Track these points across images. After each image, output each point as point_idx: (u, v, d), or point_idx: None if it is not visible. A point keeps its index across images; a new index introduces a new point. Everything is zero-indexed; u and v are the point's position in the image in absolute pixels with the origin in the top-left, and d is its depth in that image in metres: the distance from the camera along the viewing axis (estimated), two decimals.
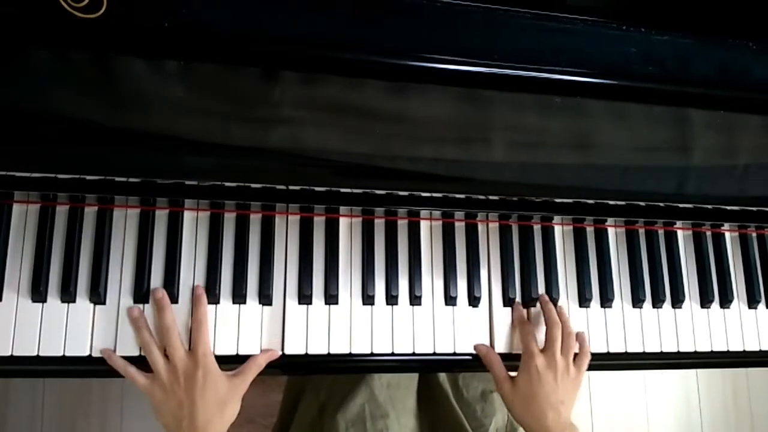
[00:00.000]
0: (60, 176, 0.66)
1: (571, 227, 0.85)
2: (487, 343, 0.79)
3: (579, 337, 0.80)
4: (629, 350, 0.83)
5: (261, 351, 0.73)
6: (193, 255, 0.74)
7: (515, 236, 0.83)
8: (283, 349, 0.74)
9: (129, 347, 0.70)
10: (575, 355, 0.78)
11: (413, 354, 0.77)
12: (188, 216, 0.75)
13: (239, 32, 0.61)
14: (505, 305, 0.81)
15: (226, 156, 0.65)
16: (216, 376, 0.69)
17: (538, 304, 0.81)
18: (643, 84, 0.70)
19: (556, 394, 0.74)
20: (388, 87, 0.65)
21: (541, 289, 0.82)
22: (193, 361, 0.69)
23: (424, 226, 0.80)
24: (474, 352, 0.78)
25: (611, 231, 0.86)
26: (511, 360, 0.78)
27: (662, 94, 0.71)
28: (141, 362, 0.70)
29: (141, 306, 0.72)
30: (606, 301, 0.83)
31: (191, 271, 0.73)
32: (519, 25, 0.67)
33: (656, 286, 0.85)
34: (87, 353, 0.69)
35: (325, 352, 0.74)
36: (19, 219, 0.71)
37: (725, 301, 0.87)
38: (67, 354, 0.69)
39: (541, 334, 0.79)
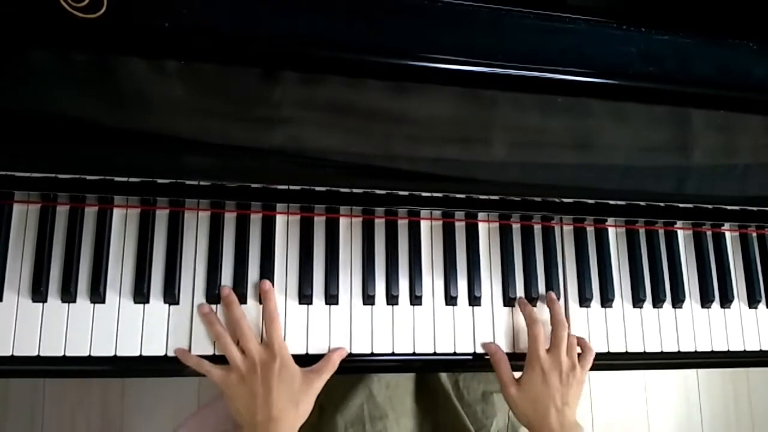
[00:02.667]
0: (60, 176, 0.66)
1: (571, 227, 0.85)
2: (491, 342, 0.79)
3: (580, 340, 0.80)
4: (630, 350, 0.83)
5: (331, 349, 0.74)
6: (193, 255, 0.74)
7: (516, 236, 0.83)
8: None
9: (129, 347, 0.70)
10: (579, 355, 0.78)
11: (414, 354, 0.77)
12: (189, 216, 0.75)
13: (239, 32, 0.61)
14: (505, 305, 0.81)
15: (227, 156, 0.65)
16: (292, 369, 0.70)
17: (537, 304, 0.81)
18: (643, 84, 0.70)
19: (561, 394, 0.74)
20: (389, 87, 0.65)
21: (542, 288, 0.82)
22: (269, 352, 0.70)
23: (424, 225, 0.80)
24: (475, 352, 0.78)
25: (612, 231, 0.86)
26: (511, 360, 0.78)
27: (662, 93, 0.71)
28: (141, 362, 0.70)
29: (142, 306, 0.72)
30: (606, 300, 0.83)
31: (191, 271, 0.73)
32: (519, 24, 0.67)
33: (657, 285, 0.85)
34: (87, 353, 0.69)
35: (325, 352, 0.74)
36: (19, 219, 0.71)
37: (726, 301, 0.87)
38: (67, 354, 0.69)
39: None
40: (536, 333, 0.76)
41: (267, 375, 0.68)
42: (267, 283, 0.73)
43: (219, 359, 0.71)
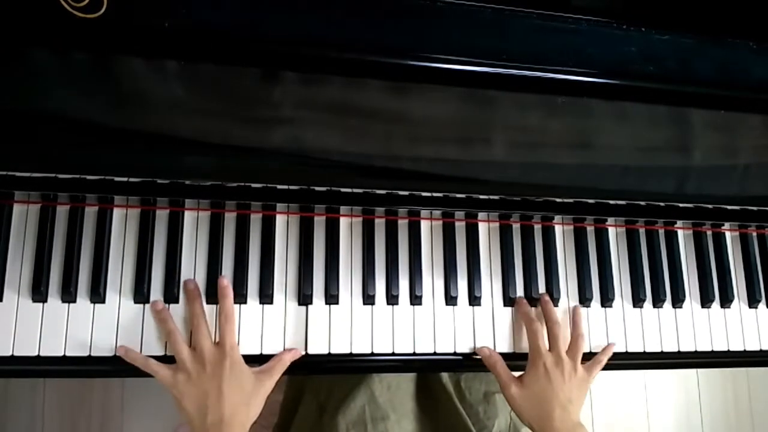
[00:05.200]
0: (60, 176, 0.66)
1: (571, 227, 0.85)
2: (489, 342, 0.79)
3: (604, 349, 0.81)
4: (630, 350, 0.83)
5: (284, 349, 0.73)
6: (193, 255, 0.74)
7: (516, 236, 0.83)
8: (283, 348, 0.74)
9: (130, 346, 0.70)
10: (586, 359, 0.78)
11: (414, 354, 0.77)
12: (188, 216, 0.75)
13: (239, 32, 0.61)
14: (505, 305, 0.81)
15: (227, 156, 0.65)
16: (243, 369, 0.69)
17: (538, 305, 0.81)
18: (643, 83, 0.70)
19: (564, 392, 0.73)
20: (390, 87, 0.65)
21: (542, 288, 0.82)
22: (220, 351, 0.68)
23: (424, 225, 0.80)
24: (475, 352, 0.78)
25: (612, 230, 0.86)
26: (512, 359, 0.78)
27: (663, 93, 0.71)
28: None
29: (142, 306, 0.72)
30: (606, 300, 0.83)
31: (191, 271, 0.73)
32: (521, 24, 0.67)
33: (657, 285, 0.85)
34: (87, 353, 0.69)
35: (325, 351, 0.74)
36: (19, 219, 0.71)
37: (726, 301, 0.87)
38: (67, 354, 0.69)
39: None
40: (536, 329, 0.77)
41: (217, 374, 0.67)
42: (225, 279, 0.72)
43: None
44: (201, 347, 0.68)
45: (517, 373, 0.77)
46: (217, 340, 0.71)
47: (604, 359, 0.80)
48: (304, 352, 0.74)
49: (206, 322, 0.71)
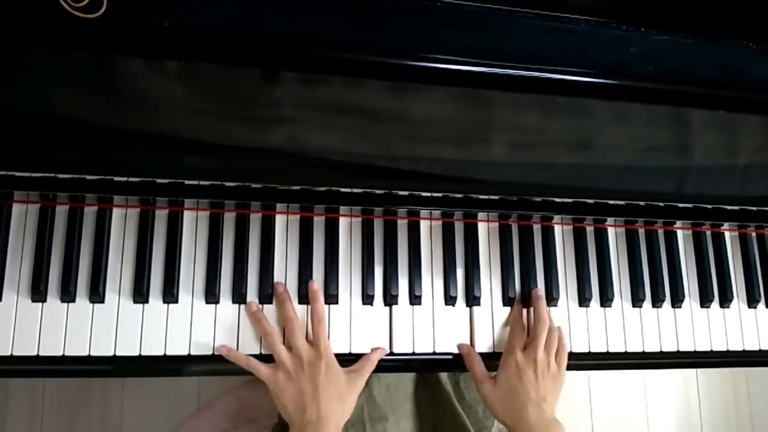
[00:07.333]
0: (60, 176, 0.66)
1: (570, 227, 0.85)
2: (489, 342, 0.79)
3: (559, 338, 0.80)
4: (629, 350, 0.83)
5: (373, 349, 0.75)
6: (193, 255, 0.74)
7: (515, 236, 0.83)
8: None
9: (129, 346, 0.70)
10: (571, 359, 0.78)
11: (413, 354, 0.77)
12: (188, 216, 0.75)
13: (239, 32, 0.61)
14: (504, 305, 0.81)
15: (226, 156, 0.65)
16: (337, 369, 0.71)
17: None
18: (642, 84, 0.70)
19: (537, 390, 0.73)
20: (389, 87, 0.65)
21: (541, 288, 0.82)
22: (316, 352, 0.71)
23: (423, 225, 0.80)
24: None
25: (611, 231, 0.86)
26: None
27: (662, 93, 0.71)
28: (140, 362, 0.70)
29: (141, 306, 0.72)
30: (606, 300, 0.83)
31: (191, 271, 0.74)
32: (519, 25, 0.67)
33: (656, 285, 0.85)
34: (87, 353, 0.69)
35: None
36: (19, 219, 0.71)
37: (725, 301, 0.87)
38: (67, 354, 0.69)
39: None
40: (513, 329, 0.78)
41: (314, 374, 0.69)
42: (315, 284, 0.74)
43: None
44: (297, 348, 0.71)
45: (494, 373, 0.77)
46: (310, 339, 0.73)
47: (564, 346, 0.79)
48: (388, 350, 0.76)
49: (300, 323, 0.73)
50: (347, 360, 0.75)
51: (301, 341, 0.71)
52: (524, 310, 0.80)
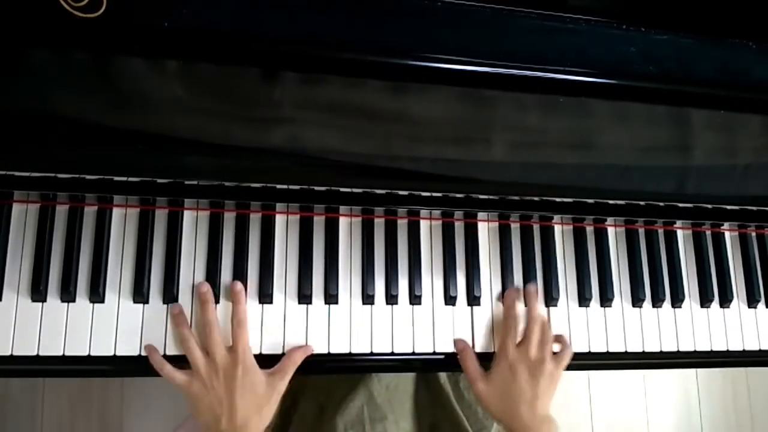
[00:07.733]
0: (60, 176, 0.66)
1: (570, 227, 0.85)
2: (489, 342, 0.79)
3: (560, 337, 0.80)
4: (629, 350, 0.83)
5: (294, 347, 0.73)
6: (192, 255, 0.74)
7: (515, 236, 0.83)
8: (283, 348, 0.74)
9: (129, 346, 0.70)
10: (556, 351, 0.78)
11: (413, 353, 0.77)
12: (188, 215, 0.75)
13: (239, 32, 0.61)
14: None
15: (226, 156, 0.65)
16: (255, 374, 0.69)
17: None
18: (643, 83, 0.70)
19: (530, 388, 0.73)
20: (389, 87, 0.65)
21: (541, 288, 0.82)
22: (233, 358, 0.69)
23: (423, 225, 0.80)
24: (474, 352, 0.78)
25: (611, 230, 0.86)
26: None
27: (662, 93, 0.71)
28: (140, 362, 0.70)
29: (141, 306, 0.72)
30: (606, 300, 0.83)
31: (191, 271, 0.73)
32: (520, 24, 0.67)
33: (656, 285, 0.85)
34: (86, 353, 0.69)
35: (325, 351, 0.74)
36: (18, 219, 0.71)
37: (725, 301, 0.87)
38: (67, 354, 0.69)
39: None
40: (507, 326, 0.77)
41: (230, 382, 0.68)
42: (239, 284, 0.72)
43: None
44: (214, 354, 0.69)
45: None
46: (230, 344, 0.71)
47: (569, 349, 0.79)
48: (313, 350, 0.74)
49: (219, 327, 0.70)
50: (346, 360, 0.75)
51: (219, 348, 0.69)
52: (519, 306, 0.80)
